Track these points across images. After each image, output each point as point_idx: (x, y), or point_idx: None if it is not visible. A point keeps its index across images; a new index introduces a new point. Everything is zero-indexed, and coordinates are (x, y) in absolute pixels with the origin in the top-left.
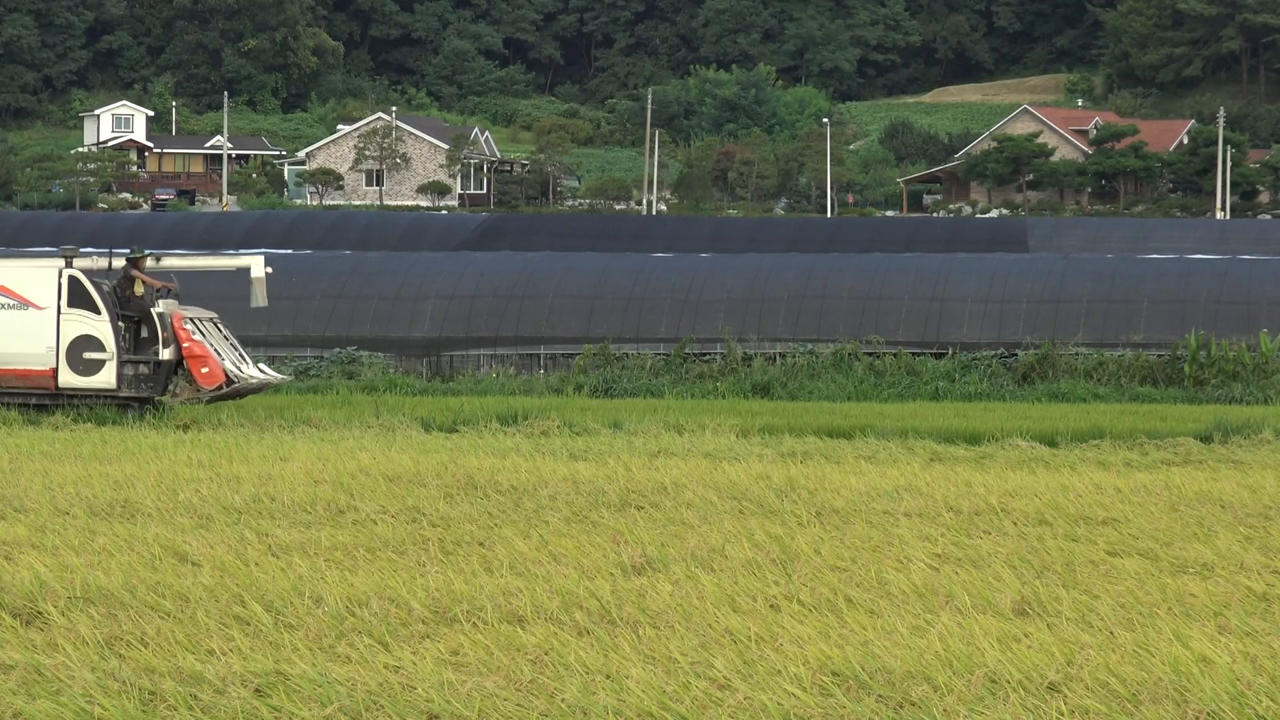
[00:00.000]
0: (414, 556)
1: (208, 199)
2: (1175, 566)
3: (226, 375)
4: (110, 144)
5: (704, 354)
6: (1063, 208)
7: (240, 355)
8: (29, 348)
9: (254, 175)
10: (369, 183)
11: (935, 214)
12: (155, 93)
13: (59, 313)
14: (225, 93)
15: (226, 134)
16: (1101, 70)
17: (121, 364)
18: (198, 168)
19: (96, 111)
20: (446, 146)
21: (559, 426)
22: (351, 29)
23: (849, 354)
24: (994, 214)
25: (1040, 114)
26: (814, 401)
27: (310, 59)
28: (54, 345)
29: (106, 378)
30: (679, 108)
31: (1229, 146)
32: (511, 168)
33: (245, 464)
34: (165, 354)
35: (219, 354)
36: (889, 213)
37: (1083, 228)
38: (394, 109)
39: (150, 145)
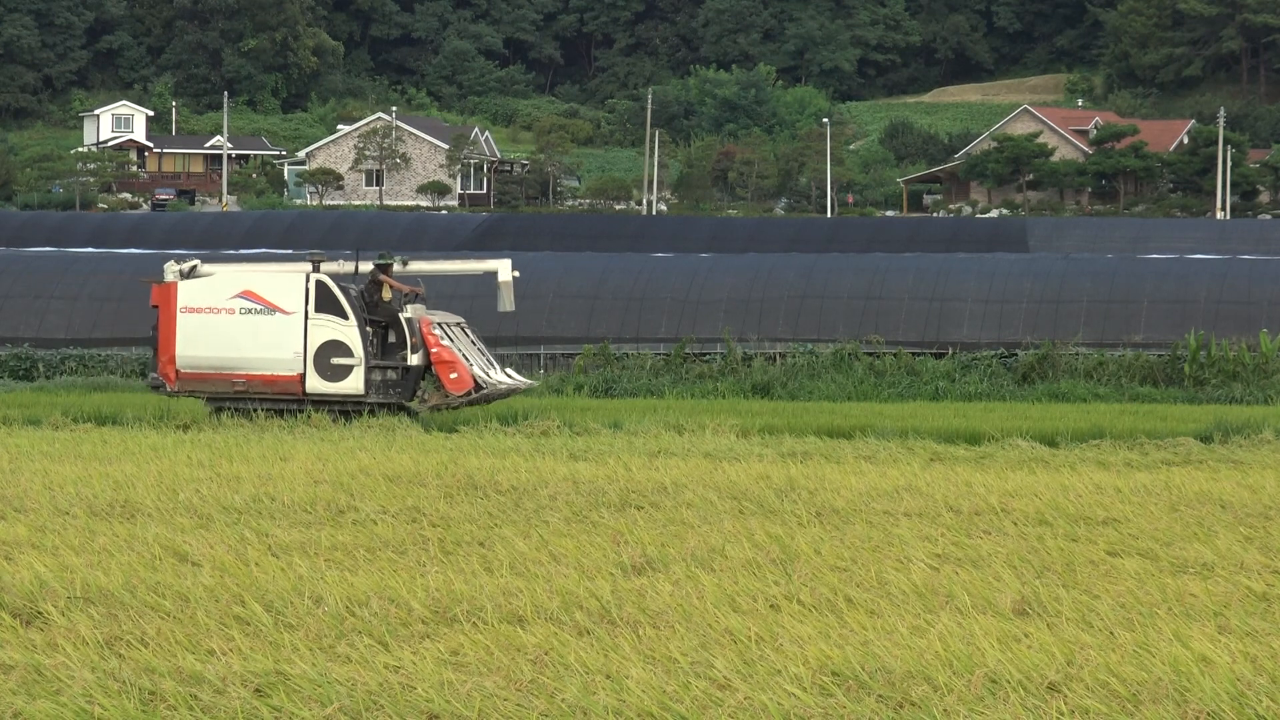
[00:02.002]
0: (414, 556)
1: (208, 199)
2: (1175, 566)
3: (475, 381)
4: (110, 144)
5: (704, 354)
6: (1063, 208)
7: (488, 360)
8: (276, 353)
9: (254, 175)
10: (369, 183)
11: (935, 214)
12: (155, 93)
13: (306, 318)
14: (225, 93)
15: (226, 134)
16: (1101, 70)
17: (369, 369)
18: (198, 168)
19: (96, 111)
20: (446, 146)
21: (559, 426)
22: (351, 29)
23: (849, 354)
24: (994, 214)
25: (1040, 114)
26: (814, 401)
27: (310, 59)
28: (301, 350)
29: (354, 383)
30: (679, 108)
31: (1229, 146)
32: (511, 168)
33: (245, 464)
34: (413, 359)
35: (467, 359)
36: (889, 213)
37: (1083, 228)
38: (394, 109)
39: (150, 145)
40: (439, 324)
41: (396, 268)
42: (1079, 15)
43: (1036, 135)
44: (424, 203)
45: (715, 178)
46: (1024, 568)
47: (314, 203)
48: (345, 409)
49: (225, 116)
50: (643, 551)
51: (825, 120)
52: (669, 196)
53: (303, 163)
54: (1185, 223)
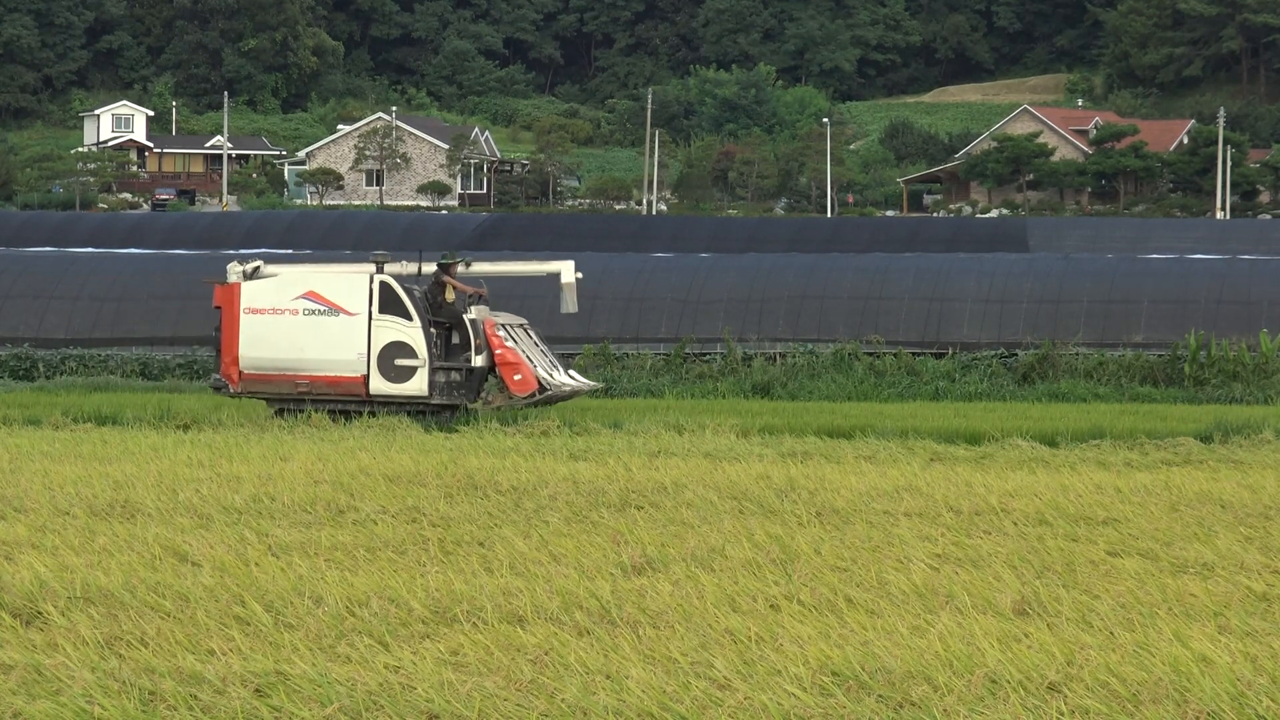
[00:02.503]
0: (414, 556)
1: (208, 199)
2: (1175, 566)
3: (539, 383)
4: (110, 144)
5: (704, 354)
6: (1063, 208)
7: (551, 362)
8: (340, 354)
9: (254, 175)
10: (369, 183)
11: (935, 214)
12: (155, 93)
13: (370, 319)
14: (225, 93)
15: (226, 134)
16: (1101, 70)
17: (433, 371)
18: (198, 168)
19: (96, 111)
20: (446, 146)
21: (559, 426)
22: (351, 29)
23: (849, 354)
24: (994, 214)
25: (1040, 114)
26: (814, 401)
27: (310, 59)
28: (365, 352)
29: (418, 384)
30: (679, 108)
31: (1229, 146)
32: (511, 168)
33: (245, 464)
34: (478, 361)
35: (531, 361)
36: (889, 213)
37: (1083, 228)
38: (394, 109)
39: (150, 145)
40: (503, 325)
41: (460, 268)
42: (1079, 15)
43: (1036, 135)
44: (424, 203)
45: (715, 178)
46: (1024, 568)
47: (314, 203)
48: (357, 410)
49: (225, 116)
50: (643, 551)
51: (825, 120)
52: (669, 196)
53: (303, 163)
54: (1185, 223)
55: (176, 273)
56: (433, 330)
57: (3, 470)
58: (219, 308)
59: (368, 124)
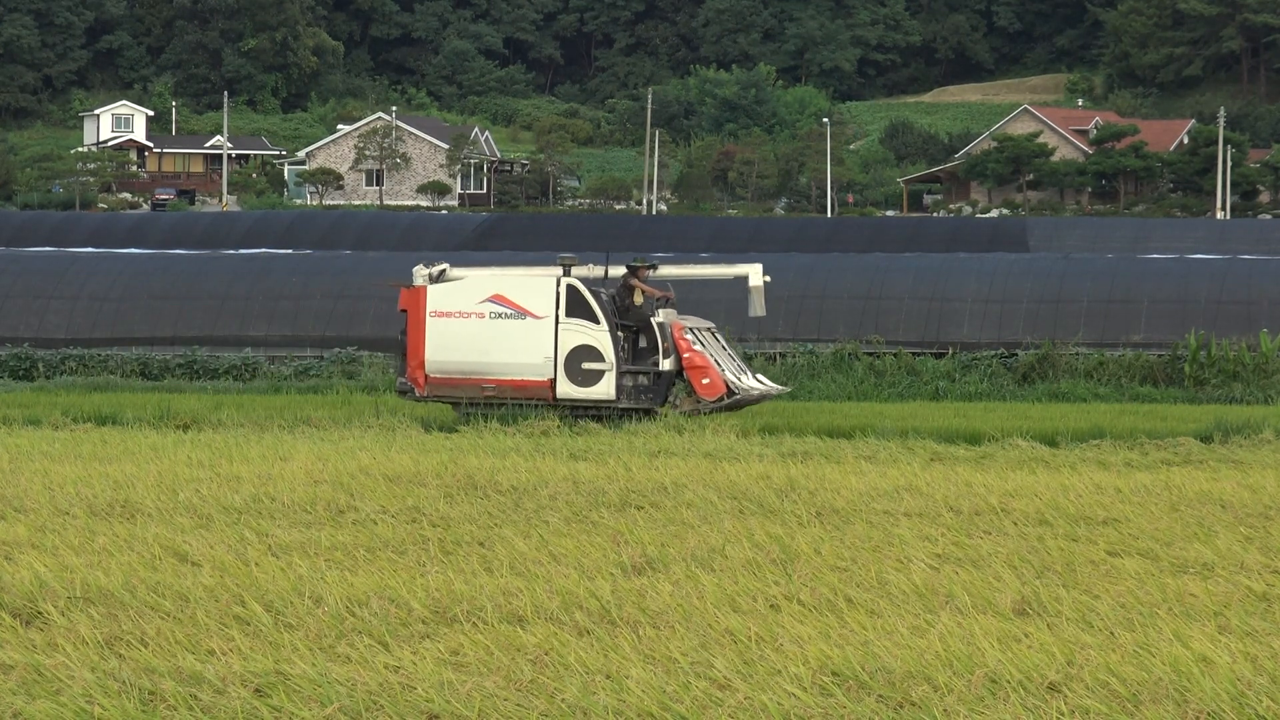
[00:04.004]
0: (414, 556)
1: (208, 199)
2: (1175, 566)
3: (728, 386)
4: (110, 144)
5: None
6: (1063, 208)
7: (739, 366)
8: (527, 358)
9: (254, 175)
10: (369, 183)
11: (935, 214)
12: (155, 93)
13: (557, 322)
14: (225, 93)
15: (226, 134)
16: (1102, 70)
17: (620, 374)
18: (198, 168)
19: (96, 111)
20: (446, 146)
21: (559, 426)
22: (351, 29)
23: (849, 354)
24: (994, 214)
25: (1040, 114)
26: (814, 401)
27: (310, 59)
28: (552, 355)
29: (605, 388)
30: (679, 108)
31: (1229, 146)
32: (511, 168)
33: (245, 464)
34: (665, 365)
35: (719, 364)
36: (889, 213)
37: (1083, 228)
38: (394, 109)
39: (150, 145)
40: (691, 329)
41: (648, 272)
42: (1079, 15)
43: (1037, 135)
44: (424, 202)
45: (715, 178)
46: (1024, 568)
47: (314, 203)
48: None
49: (225, 116)
50: (643, 551)
51: (825, 120)
52: (669, 196)
53: (303, 163)
54: (1185, 223)
55: (176, 273)
56: (620, 334)
57: (3, 470)
58: (404, 311)
59: (368, 124)
